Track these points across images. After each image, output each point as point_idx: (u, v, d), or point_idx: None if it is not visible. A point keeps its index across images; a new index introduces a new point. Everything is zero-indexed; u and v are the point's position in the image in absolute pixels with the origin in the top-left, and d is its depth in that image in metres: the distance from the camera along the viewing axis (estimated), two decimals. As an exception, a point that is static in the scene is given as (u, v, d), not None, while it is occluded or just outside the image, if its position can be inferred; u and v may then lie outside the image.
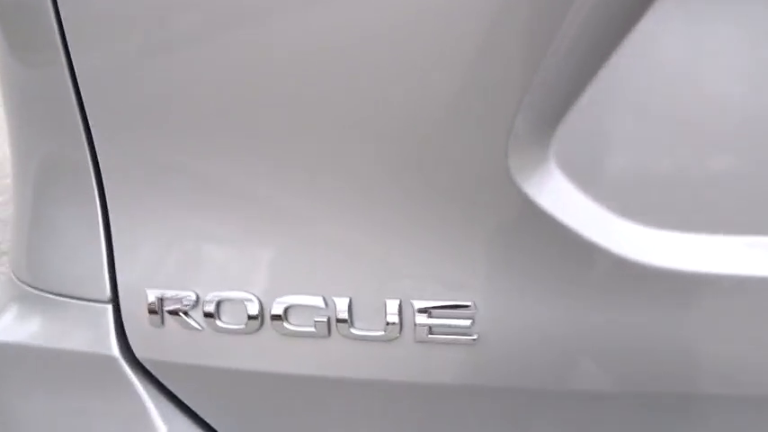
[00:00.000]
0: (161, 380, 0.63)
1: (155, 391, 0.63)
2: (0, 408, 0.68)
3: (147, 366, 0.62)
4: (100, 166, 0.59)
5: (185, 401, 0.63)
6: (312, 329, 0.58)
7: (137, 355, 0.62)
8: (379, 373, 0.59)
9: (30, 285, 0.65)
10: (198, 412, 0.64)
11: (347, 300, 0.57)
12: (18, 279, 0.67)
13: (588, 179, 0.53)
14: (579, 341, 0.56)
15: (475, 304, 0.56)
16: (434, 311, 0.57)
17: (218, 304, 0.59)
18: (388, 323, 0.57)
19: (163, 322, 0.60)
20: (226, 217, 0.58)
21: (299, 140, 0.55)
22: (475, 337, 0.57)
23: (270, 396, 0.62)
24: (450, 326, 0.57)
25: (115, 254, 0.60)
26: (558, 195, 0.53)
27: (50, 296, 0.64)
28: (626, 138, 0.52)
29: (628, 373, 0.57)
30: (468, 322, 0.56)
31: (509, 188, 0.52)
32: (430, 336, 0.57)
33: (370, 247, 0.57)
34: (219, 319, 0.59)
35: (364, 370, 0.59)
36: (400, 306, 0.57)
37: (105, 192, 0.59)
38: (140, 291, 0.59)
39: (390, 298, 0.57)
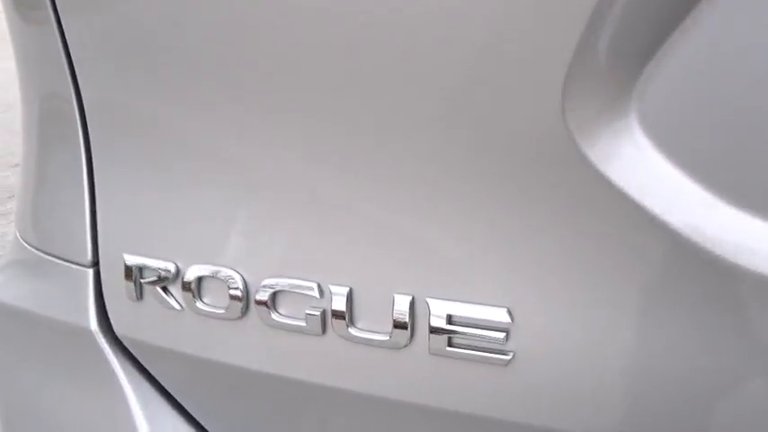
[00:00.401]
0: (140, 360, 0.54)
1: (134, 372, 0.54)
2: None
3: (126, 344, 0.54)
4: (86, 118, 0.51)
5: (166, 387, 0.54)
6: (303, 323, 0.46)
7: (115, 331, 0.53)
8: (381, 388, 0.46)
9: (25, 242, 0.59)
10: (179, 399, 0.54)
11: (346, 290, 0.45)
12: (19, 236, 0.61)
13: (687, 148, 0.36)
14: (658, 374, 0.39)
15: (512, 312, 0.41)
16: (457, 317, 0.42)
17: (199, 281, 0.48)
18: (395, 325, 0.44)
19: (141, 296, 0.51)
20: (213, 181, 0.47)
21: (301, 95, 0.43)
22: (509, 356, 0.42)
23: (256, 396, 0.51)
24: (476, 337, 0.42)
25: (98, 213, 0.52)
26: (638, 168, 0.37)
27: (41, 255, 0.57)
28: (750, 90, 0.35)
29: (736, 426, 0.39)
30: (500, 335, 0.41)
31: (566, 153, 0.37)
32: (449, 348, 0.43)
33: (379, 225, 0.43)
34: (199, 298, 0.49)
35: (364, 382, 0.46)
36: (412, 304, 0.43)
37: (91, 146, 0.51)
38: (120, 257, 0.51)
39: (400, 293, 0.44)
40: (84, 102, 0.51)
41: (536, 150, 0.38)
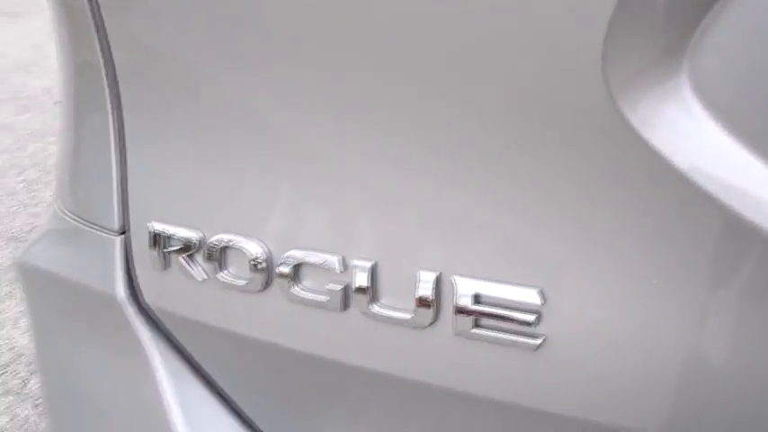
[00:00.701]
0: (168, 331, 0.53)
1: (160, 340, 0.54)
2: (34, 329, 0.64)
3: (152, 313, 0.53)
4: (118, 84, 0.50)
5: (192, 357, 0.54)
6: (325, 298, 0.44)
7: (143, 300, 0.53)
8: (403, 368, 0.43)
9: (61, 209, 0.60)
10: (204, 369, 0.54)
11: (370, 264, 0.43)
12: (56, 203, 0.62)
13: (745, 114, 0.33)
14: (706, 365, 0.35)
15: (544, 293, 0.38)
16: (484, 296, 0.40)
17: (223, 251, 0.47)
18: (419, 303, 0.41)
19: (167, 264, 0.50)
20: (240, 150, 0.46)
21: (334, 63, 0.41)
22: (539, 341, 0.39)
23: (277, 370, 0.50)
24: (504, 319, 0.39)
25: (128, 179, 0.52)
26: (687, 135, 0.33)
27: (75, 222, 0.57)
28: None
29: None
30: (530, 318, 0.39)
31: (606, 119, 0.34)
32: (474, 330, 0.40)
33: (406, 198, 0.41)
34: (222, 269, 0.48)
35: (385, 361, 0.44)
36: (438, 282, 0.41)
37: (122, 112, 0.51)
38: (147, 224, 0.50)
39: (426, 269, 0.41)
40: (115, 66, 0.50)
41: (571, 113, 0.34)
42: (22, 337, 2.07)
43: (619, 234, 0.36)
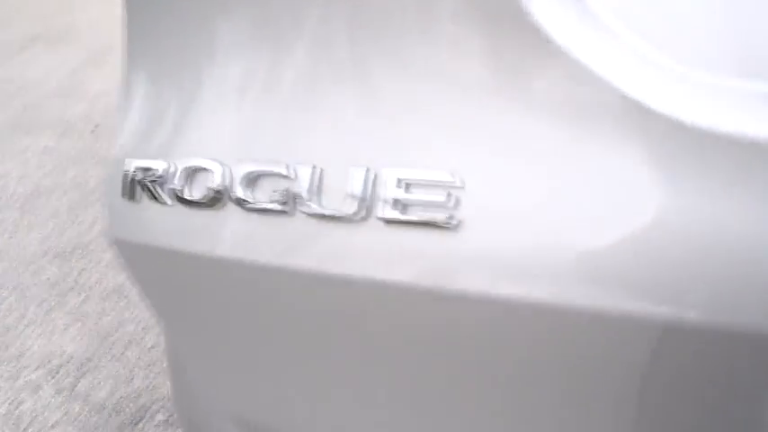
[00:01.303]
0: (130, 264, 0.57)
1: None
2: None
3: (120, 248, 0.57)
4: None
5: (149, 291, 0.57)
6: (275, 206, 0.48)
7: (114, 234, 0.57)
8: (346, 266, 0.46)
9: None
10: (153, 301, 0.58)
11: (310, 169, 0.46)
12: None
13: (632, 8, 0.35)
14: (602, 234, 0.38)
15: (462, 178, 0.41)
16: (409, 185, 0.43)
17: (185, 173, 0.52)
18: (352, 197, 0.45)
19: (133, 197, 0.54)
20: (202, 71, 0.51)
21: None
22: (455, 221, 0.42)
23: (235, 290, 0.54)
24: (426, 205, 0.42)
25: (124, 118, 0.57)
26: (580, 26, 0.36)
27: None
28: None
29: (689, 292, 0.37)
30: (444, 198, 0.42)
31: (507, 11, 0.37)
32: (402, 216, 0.43)
33: (332, 98, 0.45)
34: (186, 191, 0.52)
35: (332, 262, 0.47)
36: (367, 176, 0.44)
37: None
38: (121, 161, 0.55)
39: (356, 166, 0.45)
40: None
41: (475, 6, 0.38)
42: (70, 344, 2.18)
43: (525, 123, 0.39)
